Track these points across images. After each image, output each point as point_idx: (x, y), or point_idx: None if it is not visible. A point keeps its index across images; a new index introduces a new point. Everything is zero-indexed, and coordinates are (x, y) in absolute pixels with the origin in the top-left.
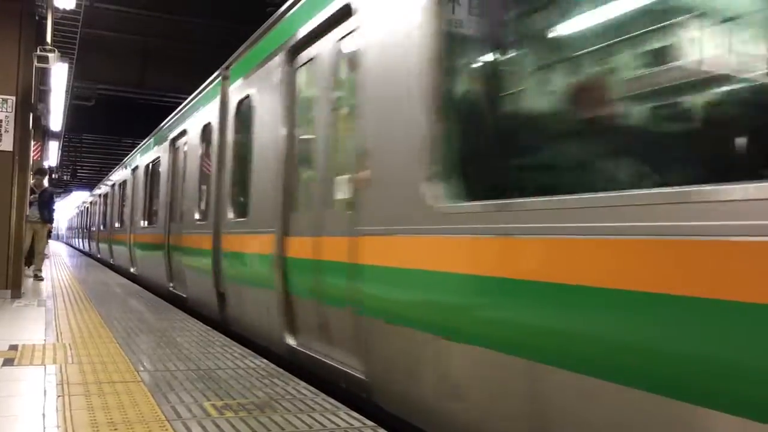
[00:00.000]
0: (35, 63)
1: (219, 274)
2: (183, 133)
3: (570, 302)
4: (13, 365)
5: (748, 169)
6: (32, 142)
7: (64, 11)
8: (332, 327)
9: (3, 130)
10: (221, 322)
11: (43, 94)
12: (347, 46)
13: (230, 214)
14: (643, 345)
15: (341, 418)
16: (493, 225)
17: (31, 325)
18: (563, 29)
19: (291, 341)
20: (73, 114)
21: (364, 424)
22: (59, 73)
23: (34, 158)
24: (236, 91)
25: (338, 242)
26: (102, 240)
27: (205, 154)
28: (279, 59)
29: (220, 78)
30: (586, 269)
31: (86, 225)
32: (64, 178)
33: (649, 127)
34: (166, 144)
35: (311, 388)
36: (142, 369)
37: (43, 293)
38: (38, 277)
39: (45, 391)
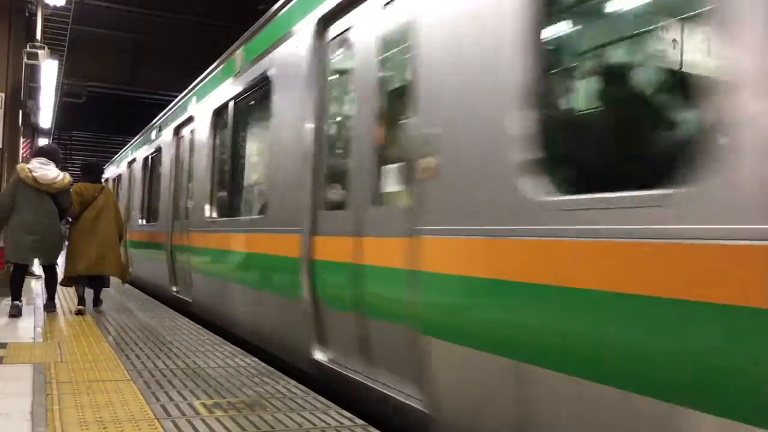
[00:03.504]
0: (25, 60)
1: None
2: (133, 160)
3: (237, 260)
4: (1, 363)
5: None
6: (21, 139)
7: (54, 8)
8: (187, 279)
9: None
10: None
11: (33, 91)
12: (189, 135)
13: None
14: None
15: (332, 417)
16: (220, 228)
17: (21, 323)
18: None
19: (173, 290)
20: (63, 111)
21: (355, 422)
22: (49, 70)
23: (24, 155)
24: (156, 142)
25: (187, 235)
26: None
27: (140, 178)
28: (170, 132)
29: (155, 128)
30: (242, 245)
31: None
32: None
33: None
34: (124, 164)
35: (301, 386)
36: (131, 367)
37: (33, 292)
38: None
39: (34, 390)
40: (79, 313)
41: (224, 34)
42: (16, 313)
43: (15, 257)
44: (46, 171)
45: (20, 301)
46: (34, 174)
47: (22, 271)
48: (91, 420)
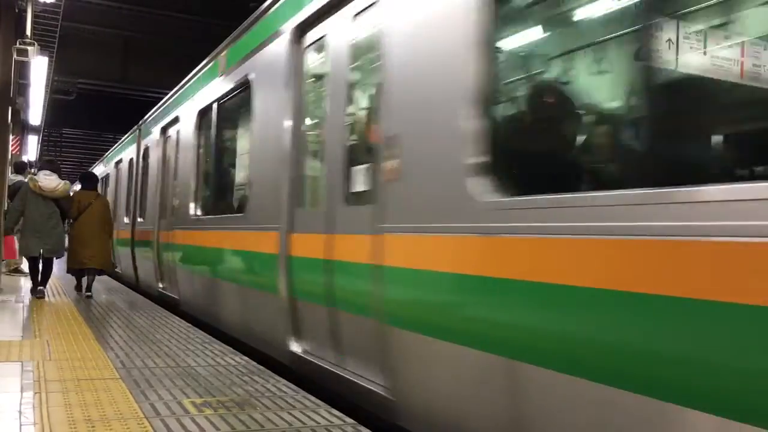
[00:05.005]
0: (14, 56)
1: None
2: (120, 161)
3: (137, 245)
4: None
5: None
6: (11, 136)
7: (45, 4)
8: (120, 260)
9: None
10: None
11: (23, 88)
12: (123, 168)
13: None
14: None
15: (321, 416)
16: (146, 226)
17: (9, 321)
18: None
19: (115, 268)
20: (53, 108)
21: (344, 422)
22: (39, 67)
23: (13, 152)
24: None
25: (118, 231)
26: None
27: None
28: (113, 163)
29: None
30: (139, 236)
31: None
32: None
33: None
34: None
35: (291, 385)
36: (120, 366)
37: (22, 289)
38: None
39: (22, 388)
40: (78, 290)
41: (216, 32)
42: (41, 296)
43: (27, 252)
44: (50, 181)
45: (44, 285)
46: (40, 184)
47: (35, 262)
48: (79, 418)
